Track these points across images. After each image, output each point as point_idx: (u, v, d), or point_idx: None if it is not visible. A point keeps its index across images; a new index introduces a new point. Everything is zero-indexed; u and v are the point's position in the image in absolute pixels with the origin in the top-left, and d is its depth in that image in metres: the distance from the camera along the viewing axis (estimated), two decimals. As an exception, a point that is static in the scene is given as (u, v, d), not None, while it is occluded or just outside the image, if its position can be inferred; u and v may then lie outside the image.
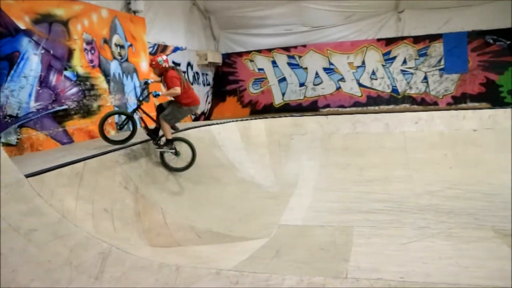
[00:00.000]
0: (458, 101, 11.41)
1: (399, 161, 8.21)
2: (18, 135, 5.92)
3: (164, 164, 6.50)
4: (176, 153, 6.44)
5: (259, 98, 12.98)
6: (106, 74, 7.92)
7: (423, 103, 11.70)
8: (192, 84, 11.69)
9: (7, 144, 5.66)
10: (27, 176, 4.12)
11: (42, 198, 4.10)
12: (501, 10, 10.81)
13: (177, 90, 6.08)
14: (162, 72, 6.36)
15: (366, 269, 3.92)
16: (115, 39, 8.31)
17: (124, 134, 6.60)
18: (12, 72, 5.87)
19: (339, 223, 5.70)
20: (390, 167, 8.08)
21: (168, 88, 6.22)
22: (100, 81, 7.76)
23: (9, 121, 5.78)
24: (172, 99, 6.45)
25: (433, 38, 11.54)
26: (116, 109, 8.14)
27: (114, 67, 8.19)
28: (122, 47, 8.50)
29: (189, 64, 11.65)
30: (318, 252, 4.71)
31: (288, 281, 3.59)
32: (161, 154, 6.44)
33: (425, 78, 11.66)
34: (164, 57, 6.37)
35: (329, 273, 3.87)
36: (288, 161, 8.47)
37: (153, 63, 6.34)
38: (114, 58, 8.23)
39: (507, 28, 10.92)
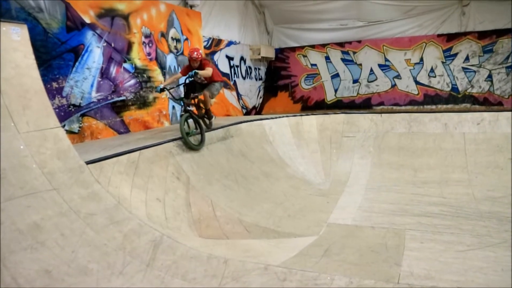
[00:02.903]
0: (526, 101, 10.65)
1: (457, 164, 7.76)
2: (80, 124, 6.24)
3: (187, 142, 6.35)
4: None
5: (311, 94, 12.83)
6: (162, 67, 8.15)
7: (486, 103, 11.02)
8: (244, 78, 11.79)
9: (70, 132, 5.98)
10: (88, 163, 4.31)
11: (100, 184, 4.28)
12: None
13: (211, 70, 6.62)
14: (199, 62, 6.74)
15: (419, 275, 3.74)
16: (172, 32, 8.52)
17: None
18: (77, 63, 6.18)
19: (390, 225, 5.49)
20: (448, 170, 7.67)
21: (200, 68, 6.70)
22: (157, 74, 8.00)
23: (73, 110, 6.11)
24: (205, 81, 6.82)
25: (500, 33, 10.81)
26: (171, 101, 8.36)
27: (170, 60, 8.40)
28: (178, 40, 8.70)
29: (242, 59, 11.73)
30: (368, 254, 4.56)
31: (337, 282, 3.51)
32: (186, 135, 6.38)
33: (489, 76, 10.98)
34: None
35: (380, 276, 3.73)
36: (340, 159, 8.29)
37: (199, 55, 6.64)
38: (170, 51, 8.45)
39: None
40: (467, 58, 11.21)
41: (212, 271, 3.65)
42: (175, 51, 8.59)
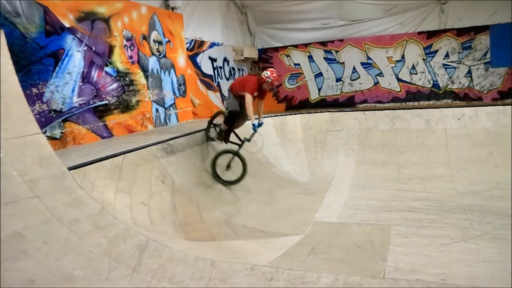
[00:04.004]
0: (505, 96, 10.85)
1: (440, 159, 7.90)
2: (62, 129, 6.15)
3: (216, 176, 6.58)
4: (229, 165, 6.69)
5: (295, 94, 12.89)
6: (144, 70, 8.09)
7: (466, 98, 11.23)
8: (228, 79, 11.78)
9: (51, 138, 5.89)
10: (70, 168, 4.26)
11: (84, 190, 4.23)
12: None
13: None
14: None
15: (404, 269, 3.80)
16: (154, 35, 8.46)
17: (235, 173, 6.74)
18: (57, 68, 6.09)
19: (376, 222, 5.56)
20: (431, 165, 7.81)
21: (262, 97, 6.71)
22: (139, 77, 7.94)
23: (54, 115, 6.02)
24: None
25: (478, 30, 11.01)
26: (154, 103, 8.31)
27: (152, 63, 8.35)
28: (160, 43, 8.65)
29: (225, 60, 11.72)
30: (354, 250, 4.61)
31: (324, 280, 3.54)
32: (214, 165, 6.57)
33: (469, 72, 11.18)
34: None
35: (366, 272, 3.78)
36: (324, 157, 8.36)
37: (276, 81, 6.48)
38: (153, 54, 8.39)
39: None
40: (447, 55, 11.39)
41: (199, 273, 3.65)
42: (157, 53, 8.54)
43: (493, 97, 10.99)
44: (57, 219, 3.65)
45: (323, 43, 12.46)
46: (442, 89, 11.49)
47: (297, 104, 12.78)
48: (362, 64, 12.13)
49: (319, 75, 12.59)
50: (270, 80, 6.35)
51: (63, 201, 3.88)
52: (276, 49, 12.97)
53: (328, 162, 8.22)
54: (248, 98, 6.26)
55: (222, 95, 11.41)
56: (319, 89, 12.62)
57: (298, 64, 12.77)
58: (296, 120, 9.08)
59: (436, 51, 11.47)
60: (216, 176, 6.51)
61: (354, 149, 8.46)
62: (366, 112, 9.01)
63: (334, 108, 10.85)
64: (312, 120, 9.09)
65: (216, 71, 11.23)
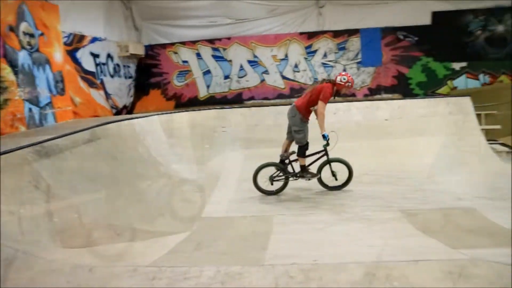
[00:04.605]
0: (374, 92, 12.16)
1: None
2: None
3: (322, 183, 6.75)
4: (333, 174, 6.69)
5: (184, 91, 12.81)
6: (13, 65, 7.33)
7: (343, 94, 12.27)
8: (112, 76, 11.26)
9: None
10: None
11: None
12: (411, 8, 11.65)
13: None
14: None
15: (282, 255, 4.06)
16: (24, 27, 7.71)
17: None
18: None
19: (261, 213, 5.84)
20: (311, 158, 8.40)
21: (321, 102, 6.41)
22: (7, 73, 7.17)
23: None
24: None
25: (351, 33, 12.16)
26: (27, 102, 7.58)
27: (22, 57, 7.60)
28: (32, 36, 7.91)
29: (109, 56, 11.17)
30: (238, 242, 4.78)
31: (206, 273, 3.61)
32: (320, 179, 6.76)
33: (344, 71, 12.25)
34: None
35: (247, 262, 3.95)
36: (212, 154, 8.49)
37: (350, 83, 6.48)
38: (23, 47, 7.64)
39: (415, 26, 11.81)
40: (325, 55, 12.34)
41: (76, 282, 3.46)
42: (28, 47, 7.79)
43: (364, 93, 12.23)
44: None
45: (210, 41, 12.59)
46: (322, 86, 12.42)
47: (186, 102, 12.73)
48: (249, 62, 12.54)
49: (207, 72, 12.69)
50: (349, 84, 6.50)
51: None
52: (164, 46, 12.74)
53: (216, 159, 8.36)
54: (324, 108, 6.29)
55: (106, 93, 10.86)
56: (208, 87, 12.73)
57: (186, 61, 12.72)
58: (183, 118, 9.05)
59: (315, 51, 12.36)
60: (322, 184, 6.75)
61: (241, 144, 8.73)
62: (252, 108, 9.35)
63: (222, 105, 11.04)
64: (199, 117, 9.15)
65: (99, 67, 10.64)
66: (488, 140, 8.78)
